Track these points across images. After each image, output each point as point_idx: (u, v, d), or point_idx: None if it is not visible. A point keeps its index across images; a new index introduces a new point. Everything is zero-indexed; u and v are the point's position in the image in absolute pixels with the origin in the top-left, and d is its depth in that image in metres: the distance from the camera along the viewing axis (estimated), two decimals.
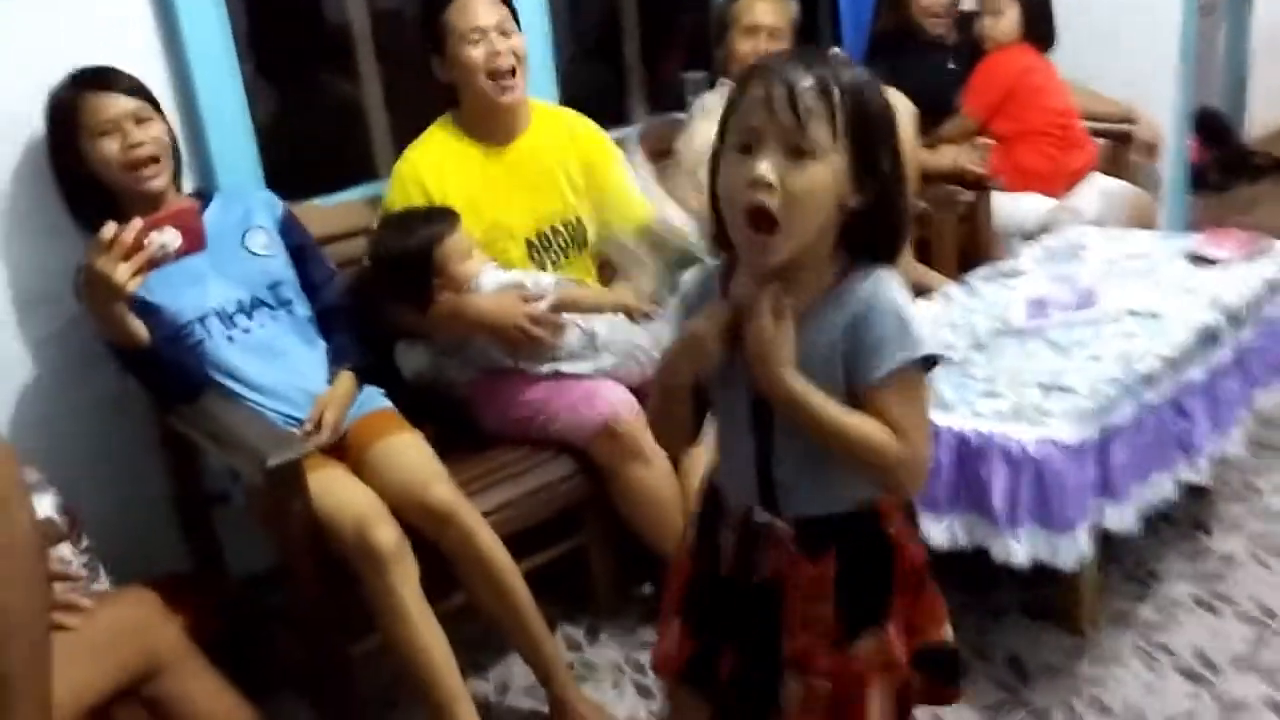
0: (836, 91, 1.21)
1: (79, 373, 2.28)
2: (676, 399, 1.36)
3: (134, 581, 2.31)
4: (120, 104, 2.11)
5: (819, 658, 1.34)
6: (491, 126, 2.51)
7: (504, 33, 2.41)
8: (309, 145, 3.03)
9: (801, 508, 1.34)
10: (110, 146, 2.10)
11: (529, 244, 2.52)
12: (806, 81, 1.20)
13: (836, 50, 3.11)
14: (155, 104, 2.19)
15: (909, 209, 1.31)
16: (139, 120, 2.13)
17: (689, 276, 1.39)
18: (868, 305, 1.25)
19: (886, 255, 1.29)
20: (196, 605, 2.33)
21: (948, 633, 1.43)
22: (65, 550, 1.93)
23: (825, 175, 1.21)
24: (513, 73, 2.42)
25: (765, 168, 1.21)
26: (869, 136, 1.23)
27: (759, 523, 1.36)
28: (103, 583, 2.07)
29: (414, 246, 2.31)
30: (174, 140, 2.24)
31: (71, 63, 2.15)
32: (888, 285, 1.27)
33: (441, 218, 2.35)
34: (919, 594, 1.39)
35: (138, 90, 2.15)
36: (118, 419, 2.35)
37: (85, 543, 2.06)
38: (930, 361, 1.27)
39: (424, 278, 2.31)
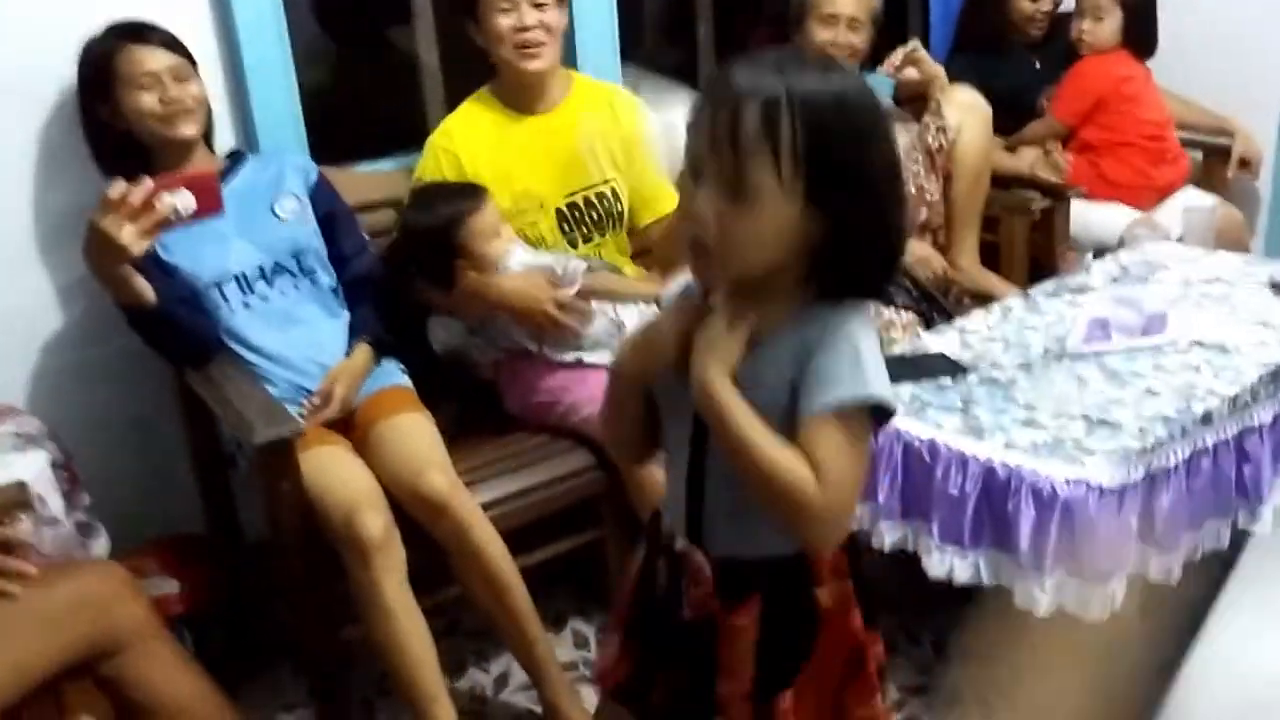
0: (787, 120, 1.07)
1: (98, 326, 2.25)
2: (627, 394, 1.27)
3: (145, 541, 2.31)
4: (160, 58, 2.09)
5: (740, 714, 1.26)
6: (524, 94, 2.45)
7: (536, 4, 2.33)
8: (359, 109, 2.98)
9: (725, 544, 1.24)
10: (147, 99, 2.07)
11: (559, 214, 2.45)
12: (753, 110, 1.07)
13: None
14: (193, 62, 2.15)
15: (897, 232, 1.17)
16: (177, 77, 2.10)
17: (674, 286, 1.30)
18: (823, 336, 1.14)
19: (861, 290, 1.18)
20: (203, 569, 2.31)
21: (879, 703, 1.30)
22: (56, 508, 1.89)
23: (767, 220, 1.09)
24: (541, 44, 2.35)
25: (702, 205, 1.11)
26: (829, 163, 1.09)
27: (679, 552, 1.27)
28: (101, 542, 2.03)
29: (437, 224, 2.25)
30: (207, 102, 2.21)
31: (112, 17, 2.12)
32: (850, 320, 1.15)
33: (468, 195, 2.28)
34: (855, 672, 1.27)
35: (176, 46, 2.13)
36: (137, 374, 2.32)
37: (86, 500, 2.03)
38: (882, 414, 1.16)
39: (446, 256, 2.24)
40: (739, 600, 1.24)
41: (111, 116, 2.11)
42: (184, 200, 1.85)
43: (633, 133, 2.52)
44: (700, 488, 1.24)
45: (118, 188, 1.81)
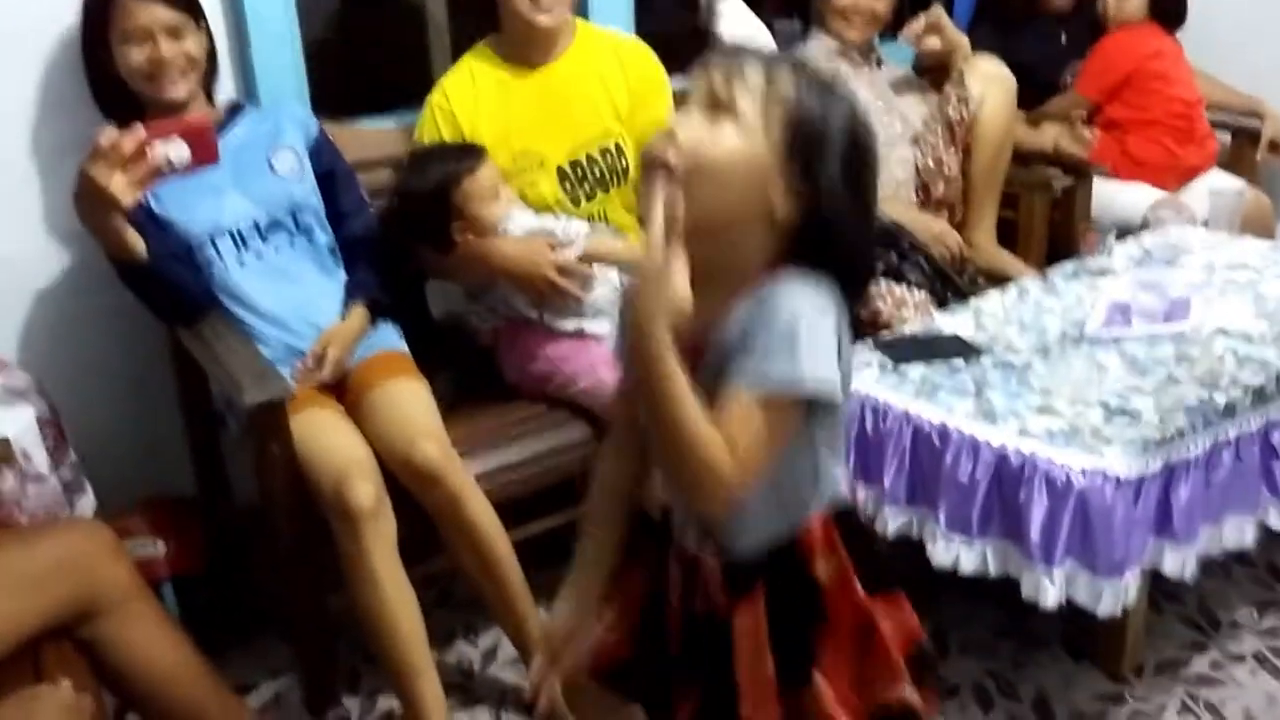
0: (785, 85, 1.10)
1: (92, 278, 2.18)
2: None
3: (137, 500, 2.26)
4: (155, 13, 2.00)
5: (768, 714, 1.20)
6: (527, 47, 2.36)
7: None
8: (364, 62, 2.90)
9: (727, 539, 1.19)
10: (137, 55, 2.01)
11: (560, 173, 2.37)
12: (756, 61, 1.11)
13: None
14: (196, 14, 2.08)
15: (867, 244, 1.16)
16: (172, 32, 2.02)
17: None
18: (765, 311, 1.07)
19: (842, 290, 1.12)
20: (191, 532, 2.27)
21: (908, 692, 1.25)
22: (41, 464, 1.84)
23: (740, 147, 1.08)
24: None
25: (674, 119, 1.12)
26: (805, 144, 1.09)
27: (689, 552, 1.23)
28: (88, 500, 1.99)
29: (432, 187, 2.17)
30: (212, 51, 2.14)
31: None
32: (797, 295, 1.08)
33: (464, 156, 2.21)
34: (866, 646, 1.23)
35: (177, 0, 2.04)
36: (130, 329, 2.26)
37: (72, 457, 1.98)
38: (815, 400, 1.09)
39: (442, 220, 2.17)
40: (744, 593, 1.19)
41: (110, 65, 2.04)
42: (178, 150, 1.78)
43: (640, 82, 2.42)
44: None
45: (109, 134, 1.73)
